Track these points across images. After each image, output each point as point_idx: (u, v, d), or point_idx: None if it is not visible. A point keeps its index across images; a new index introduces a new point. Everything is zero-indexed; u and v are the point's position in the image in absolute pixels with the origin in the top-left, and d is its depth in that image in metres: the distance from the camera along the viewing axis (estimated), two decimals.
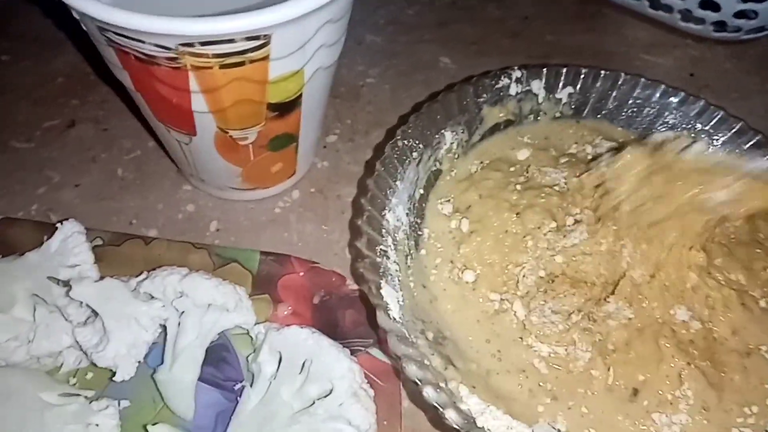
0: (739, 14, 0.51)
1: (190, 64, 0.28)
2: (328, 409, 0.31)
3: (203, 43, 0.27)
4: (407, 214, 0.35)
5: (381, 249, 0.32)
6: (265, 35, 0.27)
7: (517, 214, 0.35)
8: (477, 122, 0.39)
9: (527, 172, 0.38)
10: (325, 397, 0.32)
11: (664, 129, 0.41)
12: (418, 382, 0.28)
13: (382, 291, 0.31)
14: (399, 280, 0.32)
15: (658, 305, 0.33)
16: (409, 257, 0.35)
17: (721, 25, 0.53)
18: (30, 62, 0.49)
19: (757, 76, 0.53)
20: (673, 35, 0.55)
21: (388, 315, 0.30)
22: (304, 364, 0.33)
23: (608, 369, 0.32)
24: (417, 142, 0.36)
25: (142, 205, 0.42)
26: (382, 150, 0.35)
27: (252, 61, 0.28)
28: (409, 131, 0.36)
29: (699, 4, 0.51)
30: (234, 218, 0.41)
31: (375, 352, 0.35)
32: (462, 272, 0.35)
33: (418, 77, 0.50)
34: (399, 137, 0.36)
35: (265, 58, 0.29)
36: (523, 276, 0.34)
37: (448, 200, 0.37)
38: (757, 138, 0.39)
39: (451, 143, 0.38)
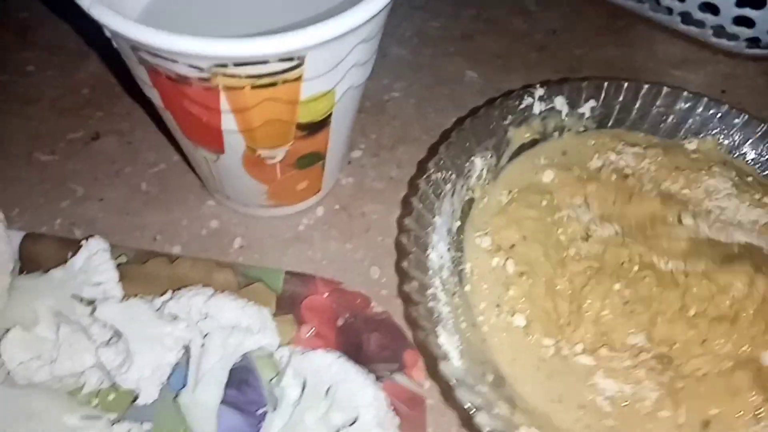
0: None
1: (222, 84, 0.27)
2: None
3: (237, 64, 0.26)
4: (448, 250, 0.35)
5: (431, 293, 0.32)
6: (299, 56, 0.27)
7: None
8: (504, 145, 0.39)
9: (561, 211, 0.36)
10: (351, 425, 0.31)
11: (688, 135, 0.41)
12: None
13: (440, 339, 0.30)
14: (453, 323, 0.31)
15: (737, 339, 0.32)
16: (455, 295, 0.33)
17: (754, 42, 0.52)
18: (54, 73, 0.49)
19: None
20: (704, 51, 0.54)
21: (450, 364, 0.29)
22: (328, 390, 0.32)
23: (679, 407, 0.31)
24: (450, 172, 0.36)
25: (166, 221, 0.41)
26: (415, 182, 0.34)
27: (285, 82, 0.28)
28: (442, 162, 0.35)
29: (733, 20, 0.50)
30: (258, 235, 0.41)
31: (400, 378, 0.34)
32: (512, 316, 0.34)
33: (444, 91, 0.50)
34: (432, 170, 0.35)
35: (298, 78, 0.28)
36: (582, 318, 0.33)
37: (486, 233, 0.36)
38: None
39: (482, 169, 0.38)
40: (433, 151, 0.45)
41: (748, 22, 0.50)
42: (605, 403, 0.31)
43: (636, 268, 0.34)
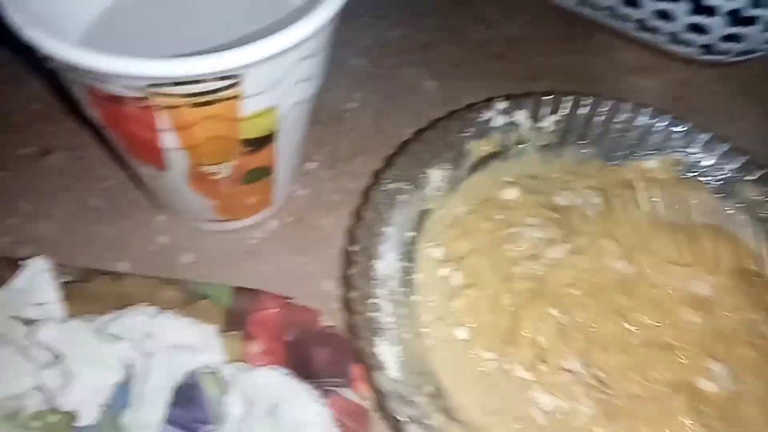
0: (727, 38, 0.50)
1: (159, 103, 0.27)
2: None
3: (173, 84, 0.26)
4: (399, 260, 0.34)
5: (374, 303, 0.31)
6: (237, 74, 0.26)
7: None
8: (463, 157, 0.39)
9: (515, 227, 0.36)
10: None
11: (649, 152, 0.40)
12: None
13: (377, 350, 0.30)
14: (396, 334, 0.31)
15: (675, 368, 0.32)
16: (402, 306, 0.33)
17: (708, 48, 0.52)
18: (4, 87, 0.48)
19: (744, 98, 0.53)
20: (661, 58, 0.55)
21: (385, 375, 0.29)
22: (272, 408, 0.32)
23: (612, 426, 0.31)
24: (404, 183, 0.35)
25: (115, 237, 0.40)
26: (367, 194, 0.34)
27: (224, 100, 0.27)
28: (396, 173, 0.35)
29: (686, 27, 0.51)
30: (208, 250, 0.40)
31: (347, 392, 0.34)
32: (455, 328, 0.33)
33: (402, 101, 0.49)
34: (385, 180, 0.35)
35: (238, 96, 0.27)
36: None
37: (438, 244, 0.36)
38: (744, 159, 0.38)
39: (439, 181, 0.38)
40: (389, 161, 0.45)
41: (700, 30, 0.50)
42: (542, 417, 0.31)
43: (579, 293, 0.34)
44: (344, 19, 0.55)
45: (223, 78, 0.26)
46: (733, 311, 0.34)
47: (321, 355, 0.35)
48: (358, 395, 0.34)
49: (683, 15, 0.49)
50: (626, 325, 0.33)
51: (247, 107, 0.28)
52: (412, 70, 0.52)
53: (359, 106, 0.49)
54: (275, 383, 0.32)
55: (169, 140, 0.29)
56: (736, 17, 0.48)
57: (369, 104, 0.49)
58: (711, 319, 0.33)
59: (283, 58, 0.27)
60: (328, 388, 0.34)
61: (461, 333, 0.33)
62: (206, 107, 0.27)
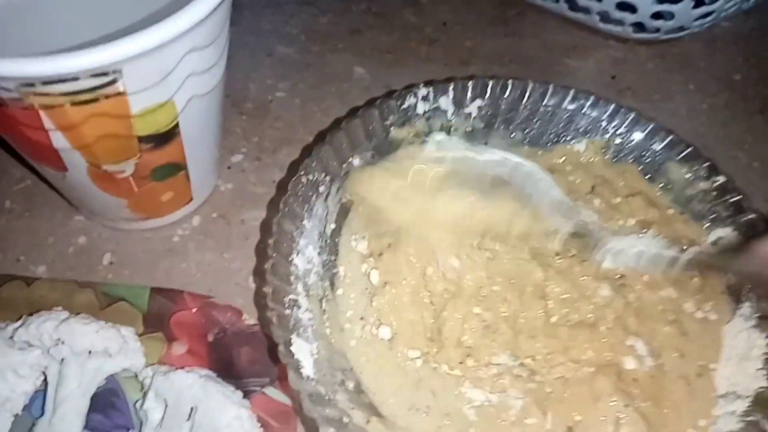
0: (656, 15, 0.50)
1: (37, 103, 0.26)
2: None
3: (45, 83, 0.25)
4: (319, 253, 0.33)
5: (290, 299, 0.30)
6: (114, 71, 0.25)
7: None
8: (387, 146, 0.38)
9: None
10: None
11: (577, 135, 0.40)
12: None
13: (292, 348, 0.29)
14: (313, 329, 0.30)
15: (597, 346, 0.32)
16: (324, 300, 0.33)
17: (640, 26, 0.52)
18: None
19: (679, 75, 0.53)
20: (595, 37, 0.54)
21: (300, 373, 0.28)
22: (191, 411, 0.31)
23: (545, 414, 0.30)
24: (323, 174, 0.34)
25: (31, 240, 0.39)
26: (286, 186, 0.33)
27: (107, 97, 0.27)
28: (313, 164, 0.34)
29: (616, 5, 0.50)
30: (129, 249, 0.39)
31: (271, 391, 0.33)
32: (377, 328, 0.33)
33: (331, 89, 0.49)
34: (302, 172, 0.34)
35: (122, 93, 0.27)
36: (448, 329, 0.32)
37: (363, 237, 0.36)
38: (669, 138, 0.38)
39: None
40: (309, 151, 0.44)
41: (630, 8, 0.50)
42: (471, 412, 0.31)
43: (497, 288, 0.33)
44: (270, 6, 0.54)
45: (99, 75, 0.25)
46: (650, 288, 0.34)
47: (244, 354, 0.35)
48: (284, 394, 0.33)
49: None
50: (550, 305, 0.32)
51: (136, 104, 0.28)
52: (341, 57, 0.51)
53: (286, 95, 0.48)
54: (193, 385, 0.31)
55: (59, 141, 0.28)
56: None
57: (296, 93, 0.48)
58: (628, 295, 0.33)
59: (165, 52, 0.26)
60: (252, 387, 0.33)
61: (384, 332, 0.33)
62: (90, 105, 0.26)
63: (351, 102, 0.48)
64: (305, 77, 0.49)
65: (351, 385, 0.30)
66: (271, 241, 0.32)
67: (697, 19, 0.50)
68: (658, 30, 0.52)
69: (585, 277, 0.33)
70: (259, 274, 0.39)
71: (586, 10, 0.52)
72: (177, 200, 0.38)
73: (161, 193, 0.36)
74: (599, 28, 0.54)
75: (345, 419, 0.28)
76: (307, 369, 0.29)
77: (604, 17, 0.52)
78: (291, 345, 0.29)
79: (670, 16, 0.50)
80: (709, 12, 0.49)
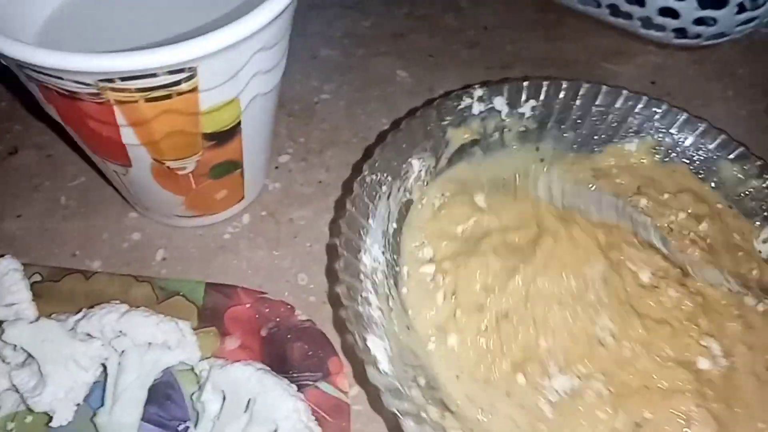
0: (699, 21, 0.50)
1: (113, 99, 0.27)
2: None
3: (123, 79, 0.25)
4: (383, 252, 0.34)
5: (362, 296, 0.31)
6: (190, 68, 0.26)
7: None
8: (443, 146, 0.38)
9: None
10: None
11: (628, 135, 0.40)
12: None
13: (369, 344, 0.29)
14: (384, 327, 0.31)
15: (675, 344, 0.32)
16: (390, 298, 0.33)
17: (681, 32, 0.52)
18: None
19: (719, 82, 0.53)
20: (635, 42, 0.55)
21: (379, 369, 0.29)
22: (248, 403, 0.32)
23: (616, 411, 0.30)
24: (385, 174, 0.35)
25: (87, 235, 0.40)
26: (348, 185, 0.34)
27: (180, 94, 0.27)
28: (376, 164, 0.35)
29: (658, 11, 0.51)
30: (181, 246, 0.40)
31: (324, 386, 0.34)
32: (446, 336, 0.33)
33: (374, 92, 0.49)
34: (366, 172, 0.34)
35: (194, 90, 0.27)
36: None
37: (422, 242, 0.36)
38: (721, 137, 0.38)
39: (419, 171, 0.37)
40: (368, 152, 0.45)
41: (672, 13, 0.50)
42: (548, 407, 0.31)
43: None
44: (314, 9, 0.55)
45: (176, 72, 0.26)
46: (711, 284, 0.34)
47: (297, 349, 0.35)
48: (337, 389, 0.34)
49: None
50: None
51: (206, 101, 0.28)
52: (384, 60, 0.52)
53: (331, 97, 0.49)
54: (248, 378, 0.32)
55: (128, 136, 0.29)
56: (707, 0, 0.48)
57: (341, 95, 0.49)
58: (694, 296, 0.34)
59: (238, 50, 0.27)
60: (304, 382, 0.34)
61: (451, 339, 0.33)
62: (162, 102, 0.27)
63: (394, 104, 0.48)
64: (349, 80, 0.50)
65: (423, 381, 0.30)
66: (340, 240, 0.32)
67: (739, 25, 0.50)
68: (699, 36, 0.52)
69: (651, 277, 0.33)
70: (309, 271, 0.39)
71: (628, 16, 0.53)
72: (230, 198, 0.39)
73: (217, 190, 0.37)
74: (640, 34, 0.54)
75: (423, 414, 0.28)
76: (384, 364, 0.29)
77: (646, 23, 0.53)
78: (367, 341, 0.29)
79: (713, 21, 0.50)
80: (751, 18, 0.50)
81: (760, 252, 0.36)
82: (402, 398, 0.28)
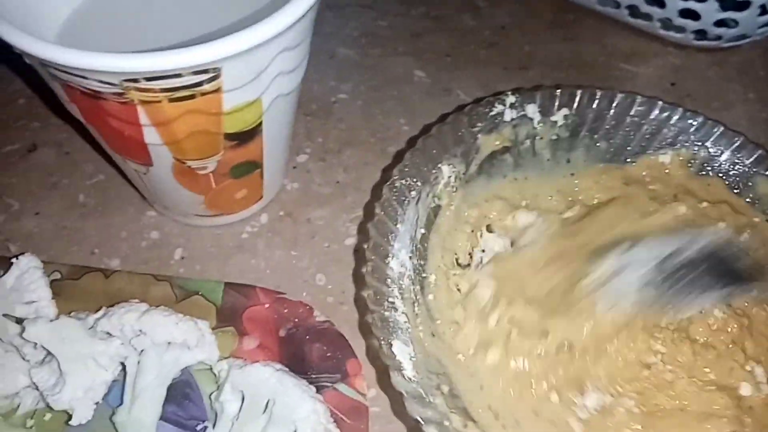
0: (720, 23, 0.50)
1: (137, 98, 0.27)
2: None
3: (148, 79, 0.25)
4: (410, 258, 0.34)
5: (389, 301, 0.31)
6: (214, 68, 0.26)
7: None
8: (473, 152, 0.38)
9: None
10: None
11: (662, 146, 0.40)
12: None
13: (394, 349, 0.29)
14: (410, 333, 0.31)
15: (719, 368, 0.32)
16: (416, 304, 0.33)
17: (701, 34, 0.52)
18: None
19: (738, 84, 0.52)
20: (654, 43, 0.54)
21: (403, 375, 0.28)
22: (267, 404, 0.32)
23: (650, 426, 0.30)
24: (415, 179, 0.35)
25: (105, 233, 0.40)
26: (370, 187, 0.34)
27: (203, 94, 0.27)
28: (406, 169, 0.35)
29: (679, 12, 0.50)
30: (200, 245, 0.40)
31: (342, 387, 0.34)
32: (486, 351, 0.33)
33: (392, 92, 0.49)
34: (396, 176, 0.34)
35: (217, 90, 0.27)
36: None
37: (449, 250, 0.36)
38: (758, 152, 0.37)
39: (449, 177, 0.37)
40: (385, 152, 0.45)
41: (693, 15, 0.50)
42: (577, 425, 0.31)
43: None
44: (331, 9, 0.55)
45: (200, 72, 0.26)
46: (758, 304, 0.33)
47: (316, 350, 0.35)
48: (356, 391, 0.34)
49: (676, 0, 0.49)
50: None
51: (229, 101, 0.28)
52: (401, 60, 0.51)
53: (348, 97, 0.49)
54: (267, 379, 0.32)
55: (151, 136, 0.29)
56: (729, 2, 0.48)
57: (358, 95, 0.49)
58: (740, 318, 0.33)
59: (261, 51, 0.27)
60: (323, 383, 0.34)
61: (492, 356, 0.33)
62: (186, 102, 0.27)
63: (411, 105, 0.48)
64: (366, 79, 0.50)
65: (446, 389, 0.30)
66: (368, 245, 0.32)
67: (761, 27, 0.50)
68: (719, 38, 0.51)
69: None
70: (328, 272, 0.39)
71: (648, 17, 0.52)
72: (249, 198, 0.39)
73: (236, 190, 0.37)
74: (659, 35, 0.53)
75: (446, 422, 0.28)
76: (408, 371, 0.29)
77: (666, 24, 0.52)
78: (393, 347, 0.29)
79: (734, 23, 0.49)
80: None
81: None
82: (425, 405, 0.28)
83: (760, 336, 0.32)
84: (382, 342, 0.29)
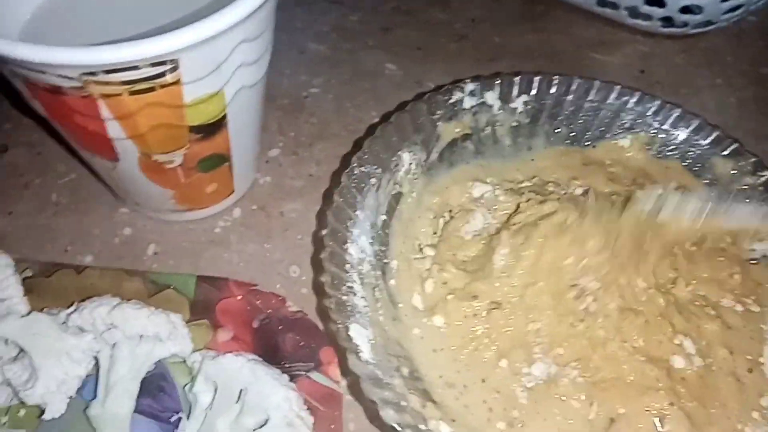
0: (685, 9, 0.50)
1: (97, 92, 0.27)
2: None
3: (107, 72, 0.26)
4: (371, 244, 0.34)
5: (347, 286, 0.31)
6: (171, 60, 0.26)
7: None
8: (434, 140, 0.38)
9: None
10: (261, 427, 0.31)
11: (621, 131, 0.40)
12: (398, 428, 0.27)
13: (350, 332, 0.30)
14: (369, 317, 0.31)
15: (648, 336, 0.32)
16: (376, 289, 0.33)
17: (668, 21, 0.52)
18: None
19: (707, 70, 0.53)
20: (622, 32, 0.55)
21: (359, 358, 0.29)
22: (240, 393, 0.32)
23: (591, 404, 0.31)
24: (374, 167, 0.35)
25: (78, 231, 0.40)
26: (337, 177, 0.34)
27: (163, 86, 0.27)
28: (365, 156, 0.35)
29: (644, 0, 0.51)
30: (172, 240, 0.40)
31: (316, 375, 0.34)
32: (432, 316, 0.34)
33: (363, 85, 0.50)
34: (355, 164, 0.35)
35: (177, 82, 0.28)
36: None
37: (411, 236, 0.36)
38: (715, 134, 0.38)
39: (410, 164, 0.37)
40: (358, 145, 0.45)
41: (659, 2, 0.50)
42: (523, 394, 0.31)
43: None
44: (302, 4, 0.56)
45: (158, 64, 0.26)
46: (685, 285, 0.34)
47: (289, 340, 0.36)
48: (329, 379, 0.34)
49: None
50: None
51: (189, 93, 0.29)
52: (372, 54, 0.52)
53: (320, 91, 0.49)
54: (242, 369, 0.32)
55: (114, 130, 0.29)
56: None
57: (329, 89, 0.49)
58: (666, 294, 0.34)
59: (219, 42, 0.27)
60: (296, 372, 0.34)
61: (438, 321, 0.33)
62: (146, 94, 0.27)
63: (383, 98, 0.49)
64: (338, 74, 0.50)
65: (406, 371, 0.31)
66: (326, 231, 0.32)
67: (725, 12, 0.50)
68: (686, 24, 0.52)
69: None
70: (301, 264, 0.40)
71: (614, 6, 0.53)
72: (220, 192, 0.39)
73: (206, 184, 0.37)
74: (627, 23, 0.54)
75: (403, 403, 0.28)
76: (366, 353, 0.29)
77: (633, 12, 0.53)
78: (349, 330, 0.30)
79: (699, 10, 0.50)
80: (737, 5, 0.50)
81: (754, 250, 0.36)
82: (382, 387, 0.28)
83: (689, 313, 0.33)
84: (339, 325, 0.29)
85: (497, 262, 0.34)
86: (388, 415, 0.27)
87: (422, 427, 0.28)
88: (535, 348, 0.32)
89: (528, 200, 0.36)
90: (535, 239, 0.33)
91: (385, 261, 0.35)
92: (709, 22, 0.52)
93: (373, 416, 0.32)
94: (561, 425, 0.30)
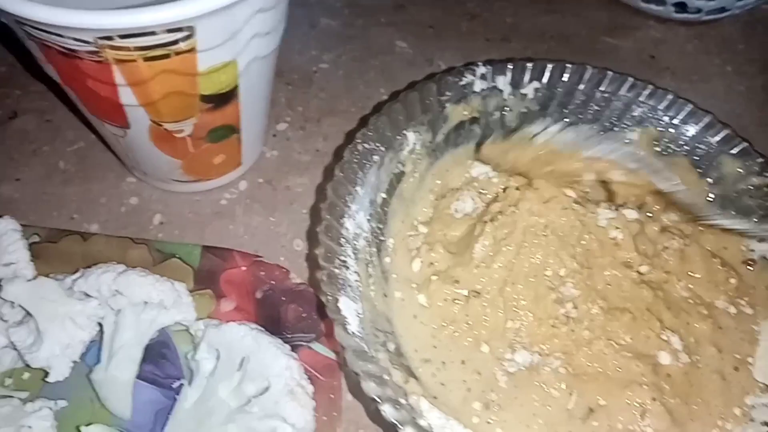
0: None
1: (112, 57, 0.27)
2: (264, 407, 0.31)
3: (123, 36, 0.26)
4: (369, 220, 0.34)
5: (340, 259, 0.31)
6: (188, 27, 0.26)
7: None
8: (441, 121, 0.38)
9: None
10: (261, 395, 0.31)
11: (631, 123, 0.40)
12: (378, 400, 0.27)
13: (339, 305, 0.30)
14: (360, 291, 0.31)
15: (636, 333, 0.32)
16: (370, 265, 0.33)
17: (681, 7, 0.52)
18: None
19: (718, 57, 0.53)
20: (635, 17, 0.54)
21: (346, 330, 0.29)
22: (242, 361, 0.32)
23: (571, 394, 0.31)
24: (378, 144, 0.35)
25: (85, 199, 0.41)
26: (341, 153, 0.34)
27: (178, 53, 0.27)
28: (370, 134, 0.35)
29: None
30: (178, 211, 0.40)
31: (317, 346, 0.35)
32: (419, 294, 0.34)
33: (374, 62, 0.49)
34: (359, 140, 0.34)
35: (192, 50, 0.28)
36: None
37: (411, 216, 0.37)
38: (725, 132, 0.38)
39: (414, 144, 0.37)
40: (364, 122, 0.45)
41: None
42: (503, 378, 0.32)
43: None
44: None
45: (174, 30, 0.26)
46: (678, 281, 0.34)
47: (291, 311, 0.36)
48: (329, 349, 0.35)
49: None
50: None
51: (203, 61, 0.28)
52: (384, 31, 0.52)
53: (329, 67, 0.49)
54: (243, 337, 0.33)
55: (126, 96, 0.29)
56: None
57: (340, 65, 0.49)
58: (656, 289, 0.34)
59: (236, 11, 0.27)
60: (298, 342, 0.35)
61: (422, 300, 0.34)
62: (161, 61, 0.27)
63: (393, 75, 0.48)
64: (349, 50, 0.50)
65: (392, 346, 0.31)
66: (325, 204, 0.32)
67: (739, 0, 0.50)
68: (699, 11, 0.52)
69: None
70: (305, 237, 0.40)
71: None
72: (227, 164, 0.39)
73: (214, 155, 0.37)
74: (640, 8, 0.54)
75: (385, 376, 0.29)
76: (353, 326, 0.30)
77: None
78: (338, 302, 0.30)
79: None
80: None
81: (753, 251, 0.36)
82: (366, 359, 0.28)
83: (679, 310, 0.33)
84: (329, 297, 0.30)
85: (478, 251, 0.34)
86: (370, 387, 0.28)
87: (402, 401, 0.28)
88: (515, 344, 0.32)
89: (505, 189, 0.36)
90: (517, 236, 0.34)
91: (382, 239, 0.35)
92: (722, 9, 0.52)
93: (356, 391, 0.33)
94: (538, 411, 0.31)
